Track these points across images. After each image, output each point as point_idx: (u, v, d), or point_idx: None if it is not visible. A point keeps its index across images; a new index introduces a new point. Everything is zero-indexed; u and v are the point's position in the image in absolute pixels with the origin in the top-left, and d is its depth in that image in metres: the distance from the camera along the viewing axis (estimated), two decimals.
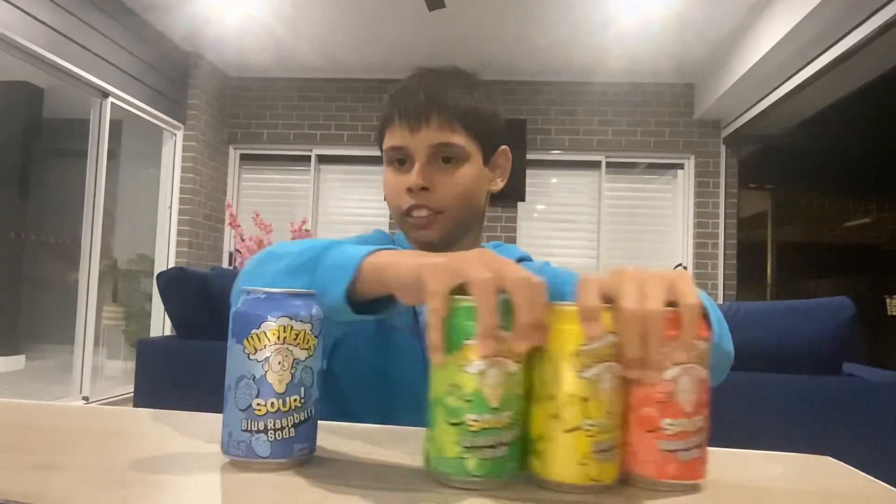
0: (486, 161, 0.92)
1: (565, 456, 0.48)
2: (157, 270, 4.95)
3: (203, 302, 2.54)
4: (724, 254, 5.20)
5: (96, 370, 4.38)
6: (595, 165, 5.41)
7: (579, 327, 0.48)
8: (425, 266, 0.52)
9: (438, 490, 0.48)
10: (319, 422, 0.55)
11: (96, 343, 4.33)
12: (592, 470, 0.47)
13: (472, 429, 0.46)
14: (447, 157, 0.87)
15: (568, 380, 0.48)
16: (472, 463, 0.47)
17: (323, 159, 5.64)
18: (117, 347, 5.23)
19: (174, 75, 4.96)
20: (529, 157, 5.25)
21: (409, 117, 0.87)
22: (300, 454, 0.52)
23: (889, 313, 3.98)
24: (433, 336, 0.48)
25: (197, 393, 1.84)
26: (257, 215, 4.52)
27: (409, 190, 0.86)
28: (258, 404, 0.51)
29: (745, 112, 4.79)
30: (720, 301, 5.08)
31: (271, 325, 0.51)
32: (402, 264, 0.55)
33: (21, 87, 5.20)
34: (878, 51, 3.32)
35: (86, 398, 4.11)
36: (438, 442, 0.48)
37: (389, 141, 0.89)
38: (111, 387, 4.50)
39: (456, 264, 0.50)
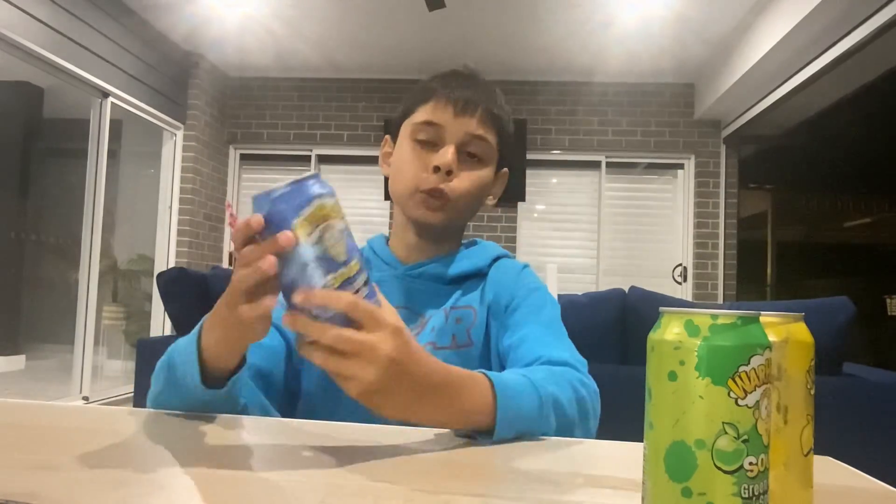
0: (494, 174, 0.94)
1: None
2: (157, 270, 4.95)
3: (203, 302, 2.54)
4: (724, 254, 5.20)
5: (96, 370, 4.38)
6: (595, 165, 5.40)
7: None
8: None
9: (438, 490, 0.48)
10: (319, 422, 0.56)
11: (96, 343, 4.32)
12: None
13: (751, 475, 0.37)
14: (472, 153, 0.89)
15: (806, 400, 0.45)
16: None
17: (323, 159, 5.64)
18: (117, 347, 5.23)
19: (174, 75, 4.96)
20: (529, 157, 5.25)
21: (458, 100, 0.87)
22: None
23: (889, 313, 3.98)
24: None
25: None
26: None
27: (437, 169, 0.86)
28: (332, 279, 0.52)
29: (745, 112, 4.79)
30: (720, 300, 5.08)
31: (299, 219, 0.51)
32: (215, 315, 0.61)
33: (21, 87, 5.21)
34: (878, 51, 3.32)
35: (86, 398, 4.11)
36: (707, 497, 0.37)
37: (425, 115, 0.88)
38: (111, 387, 4.50)
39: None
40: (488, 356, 0.89)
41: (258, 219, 0.52)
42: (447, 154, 0.85)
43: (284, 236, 0.51)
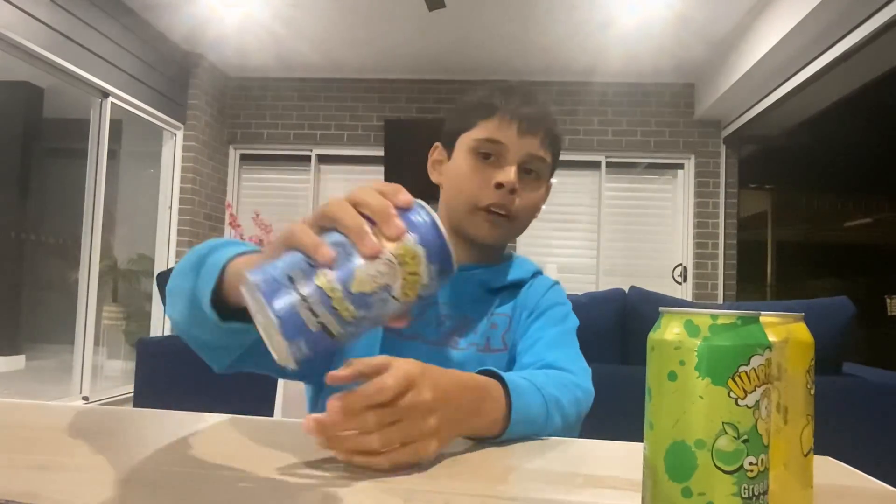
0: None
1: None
2: (157, 270, 4.95)
3: None
4: (724, 254, 5.19)
5: (96, 370, 4.38)
6: (595, 165, 5.40)
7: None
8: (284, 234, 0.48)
9: (438, 490, 0.48)
10: None
11: (96, 343, 4.32)
12: None
13: (751, 475, 0.37)
14: (530, 171, 0.90)
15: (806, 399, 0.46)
16: None
17: (323, 159, 5.63)
18: (117, 347, 5.23)
19: (174, 75, 4.96)
20: None
21: (523, 119, 0.88)
22: (294, 351, 0.43)
23: (889, 313, 3.98)
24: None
25: (197, 393, 1.84)
26: (257, 215, 4.52)
27: (499, 186, 0.86)
28: (324, 274, 0.44)
29: (745, 112, 4.79)
30: (720, 300, 5.08)
31: (407, 239, 0.46)
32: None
33: (21, 87, 5.20)
34: (878, 51, 3.32)
35: (86, 398, 4.11)
36: (707, 496, 0.37)
37: (488, 132, 0.88)
38: (111, 387, 4.50)
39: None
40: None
41: (409, 199, 0.48)
42: (510, 173, 0.86)
43: (405, 198, 0.47)
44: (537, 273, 0.99)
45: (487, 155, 0.88)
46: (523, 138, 0.88)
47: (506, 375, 0.68)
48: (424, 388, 0.54)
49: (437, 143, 0.98)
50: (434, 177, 0.97)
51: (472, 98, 0.94)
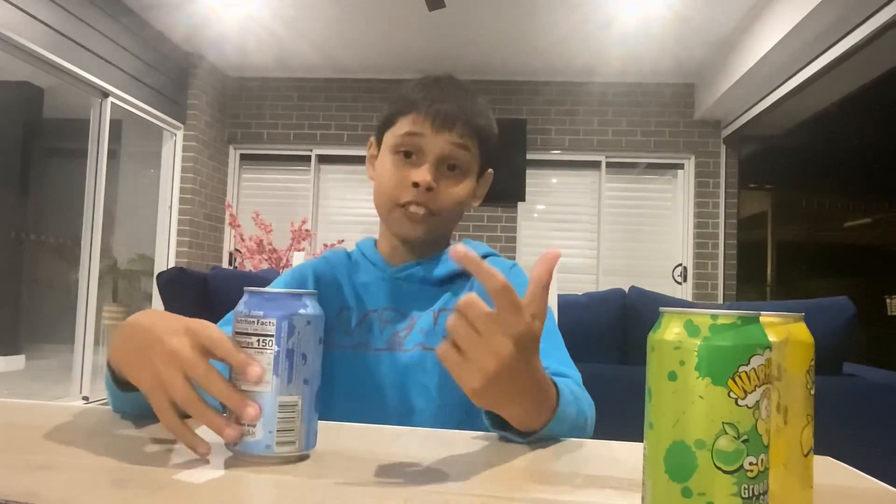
0: (477, 178, 0.95)
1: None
2: (157, 270, 4.95)
3: (203, 302, 2.54)
4: (724, 254, 5.20)
5: (96, 370, 4.37)
6: (595, 165, 5.40)
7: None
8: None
9: (438, 490, 0.48)
10: (318, 422, 0.56)
11: (96, 343, 4.32)
12: None
13: (751, 475, 0.37)
14: (452, 165, 0.89)
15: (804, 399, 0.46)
16: None
17: (323, 159, 5.64)
18: None
19: (174, 75, 4.96)
20: (529, 157, 5.24)
21: (438, 114, 0.87)
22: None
23: (889, 313, 3.98)
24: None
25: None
26: (257, 215, 4.52)
27: (416, 185, 0.86)
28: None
29: (745, 112, 4.79)
30: (720, 300, 5.08)
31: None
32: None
33: (21, 87, 5.20)
34: (878, 51, 3.32)
35: (86, 398, 4.11)
36: (707, 497, 0.37)
37: (406, 128, 0.88)
38: None
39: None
40: None
41: (258, 371, 0.52)
42: (426, 172, 0.86)
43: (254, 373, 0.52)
44: (487, 256, 0.96)
45: (409, 153, 0.88)
46: (439, 134, 0.87)
47: (557, 379, 0.67)
48: (526, 322, 0.56)
49: (372, 139, 0.97)
50: (369, 172, 0.97)
51: (396, 94, 0.93)
